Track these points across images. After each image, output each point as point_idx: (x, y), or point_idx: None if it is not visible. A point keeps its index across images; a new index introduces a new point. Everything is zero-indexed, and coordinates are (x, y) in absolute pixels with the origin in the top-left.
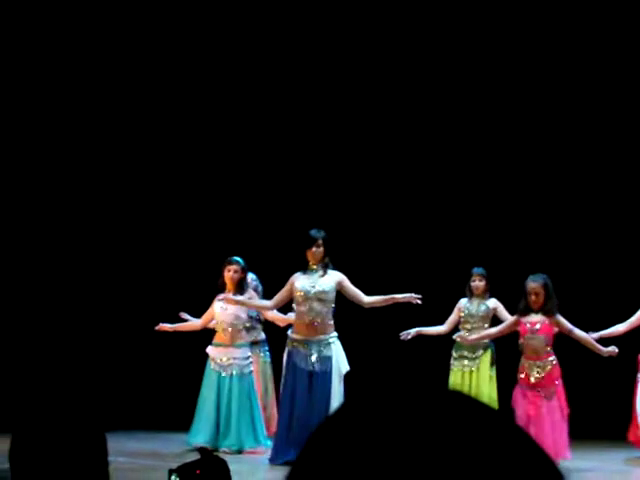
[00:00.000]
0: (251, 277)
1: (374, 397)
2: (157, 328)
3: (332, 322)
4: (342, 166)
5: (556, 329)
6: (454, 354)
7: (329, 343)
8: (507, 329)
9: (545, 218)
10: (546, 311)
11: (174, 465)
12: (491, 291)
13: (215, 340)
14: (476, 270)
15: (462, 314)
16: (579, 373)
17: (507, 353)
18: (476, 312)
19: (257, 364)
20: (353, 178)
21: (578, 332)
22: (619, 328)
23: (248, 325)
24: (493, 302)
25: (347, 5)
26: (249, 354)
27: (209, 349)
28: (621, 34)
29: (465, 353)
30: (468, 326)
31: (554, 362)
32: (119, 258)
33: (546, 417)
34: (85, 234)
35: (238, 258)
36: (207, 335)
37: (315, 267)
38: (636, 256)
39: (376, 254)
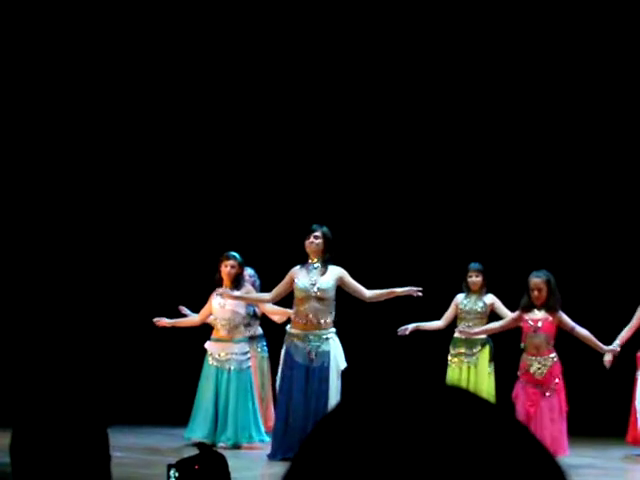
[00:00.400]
0: (249, 272)
1: (372, 394)
2: (155, 321)
3: (332, 318)
4: (340, 162)
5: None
6: (452, 350)
7: (327, 338)
8: (509, 324)
9: (542, 213)
10: (549, 307)
11: (173, 460)
12: (488, 287)
13: (213, 335)
14: (473, 266)
15: (459, 310)
16: (578, 370)
17: (505, 349)
18: (473, 309)
19: (254, 359)
20: (351, 173)
21: (580, 330)
22: (626, 334)
23: (246, 321)
24: (490, 298)
25: (347, 5)
26: (247, 349)
27: (207, 344)
28: (621, 34)
29: (463, 349)
30: (466, 323)
31: (555, 359)
32: (117, 254)
33: (545, 413)
34: (85, 230)
35: (235, 253)
36: (205, 330)
37: (315, 262)
38: (633, 251)
39: (373, 249)
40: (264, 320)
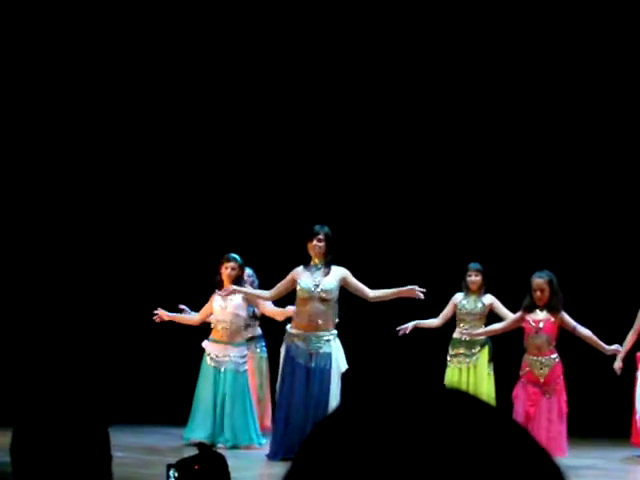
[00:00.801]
0: (247, 272)
1: (372, 396)
2: (155, 313)
3: (334, 321)
4: (340, 162)
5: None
6: (451, 351)
7: (328, 340)
8: (511, 325)
9: (542, 214)
10: (551, 308)
11: (172, 460)
12: (487, 287)
13: (212, 336)
14: (473, 265)
15: (458, 311)
16: (578, 370)
17: (505, 349)
18: (473, 310)
19: (253, 360)
20: (351, 173)
21: (581, 330)
22: (631, 339)
23: (246, 322)
24: (489, 298)
25: (347, 5)
26: (246, 353)
27: (205, 344)
28: (621, 34)
29: (462, 350)
30: (466, 324)
31: (557, 360)
32: (117, 255)
33: (544, 414)
34: (85, 230)
35: (235, 255)
36: (204, 329)
37: (317, 263)
38: (633, 251)
39: (373, 249)
40: (263, 321)
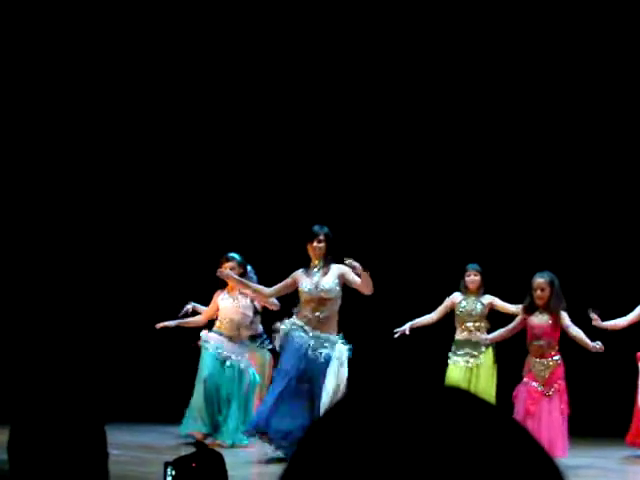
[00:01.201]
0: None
1: (371, 394)
2: (158, 326)
3: (335, 322)
4: (340, 162)
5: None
6: (454, 352)
7: (334, 343)
8: (516, 328)
9: (542, 214)
10: (550, 308)
11: (169, 458)
12: (486, 288)
13: (216, 328)
14: (471, 266)
15: (458, 312)
16: (578, 371)
17: (506, 350)
18: (472, 311)
19: (255, 359)
20: (351, 173)
21: (573, 329)
22: (619, 323)
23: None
24: (488, 298)
25: (347, 4)
26: (247, 351)
27: (210, 335)
28: (621, 34)
29: (467, 350)
30: (469, 325)
31: (559, 361)
32: (116, 255)
33: (545, 414)
34: (85, 230)
35: (235, 254)
36: (201, 328)
37: (317, 264)
38: (633, 250)
39: (372, 249)
40: (264, 321)
